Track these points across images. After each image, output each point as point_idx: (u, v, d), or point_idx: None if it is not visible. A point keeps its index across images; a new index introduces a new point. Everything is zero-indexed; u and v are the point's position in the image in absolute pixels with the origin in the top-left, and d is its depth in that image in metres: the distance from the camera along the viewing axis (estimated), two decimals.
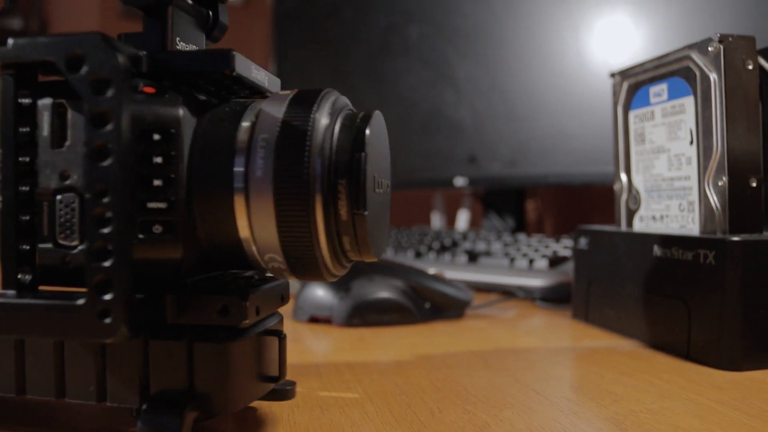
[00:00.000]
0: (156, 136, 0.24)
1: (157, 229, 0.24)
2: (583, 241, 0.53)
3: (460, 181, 0.92)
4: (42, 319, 0.23)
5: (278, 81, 0.30)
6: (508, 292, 0.64)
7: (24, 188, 0.24)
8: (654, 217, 0.48)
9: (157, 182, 0.24)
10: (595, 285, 0.51)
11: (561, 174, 0.82)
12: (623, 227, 0.51)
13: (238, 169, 0.24)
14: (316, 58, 1.09)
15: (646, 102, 0.48)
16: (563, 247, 0.70)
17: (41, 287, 0.25)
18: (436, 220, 1.12)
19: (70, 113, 0.24)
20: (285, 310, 0.46)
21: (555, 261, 0.66)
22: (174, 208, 0.24)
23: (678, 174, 0.45)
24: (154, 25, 0.26)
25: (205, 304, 0.25)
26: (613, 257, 0.49)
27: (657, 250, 0.44)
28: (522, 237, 0.79)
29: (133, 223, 0.24)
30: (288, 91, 0.26)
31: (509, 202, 0.97)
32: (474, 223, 1.10)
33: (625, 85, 0.51)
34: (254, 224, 0.24)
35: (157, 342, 0.24)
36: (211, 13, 0.30)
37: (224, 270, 0.28)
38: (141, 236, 0.24)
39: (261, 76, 0.28)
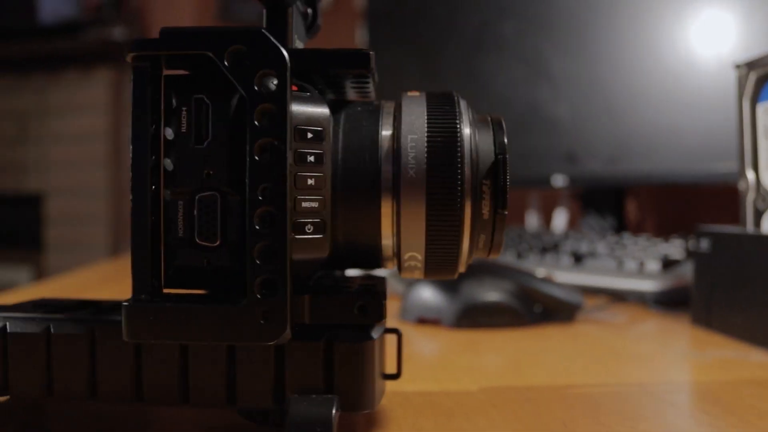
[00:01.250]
0: (309, 134, 0.24)
1: (309, 228, 0.24)
2: (704, 243, 0.50)
3: (558, 180, 0.89)
4: (193, 323, 0.23)
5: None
6: (617, 296, 0.61)
7: (159, 188, 0.23)
8: None
9: (310, 181, 0.24)
10: (720, 290, 0.48)
11: (666, 172, 0.78)
12: (751, 229, 0.48)
13: (387, 168, 0.24)
14: (408, 58, 1.08)
15: None
16: (674, 248, 0.67)
17: (165, 290, 0.24)
18: (532, 220, 1.10)
19: (211, 109, 0.23)
20: (390, 310, 0.45)
21: (667, 263, 0.63)
22: (324, 207, 0.24)
23: None
24: (276, 23, 0.25)
25: (343, 304, 0.25)
26: (740, 261, 0.46)
27: None
28: (627, 238, 0.75)
29: (292, 223, 0.24)
30: (417, 93, 0.26)
31: (609, 202, 0.93)
32: (572, 223, 1.06)
33: (753, 77, 0.48)
34: (402, 224, 0.24)
35: (294, 343, 0.24)
36: (311, 11, 0.29)
37: (343, 268, 0.28)
38: (296, 236, 0.24)
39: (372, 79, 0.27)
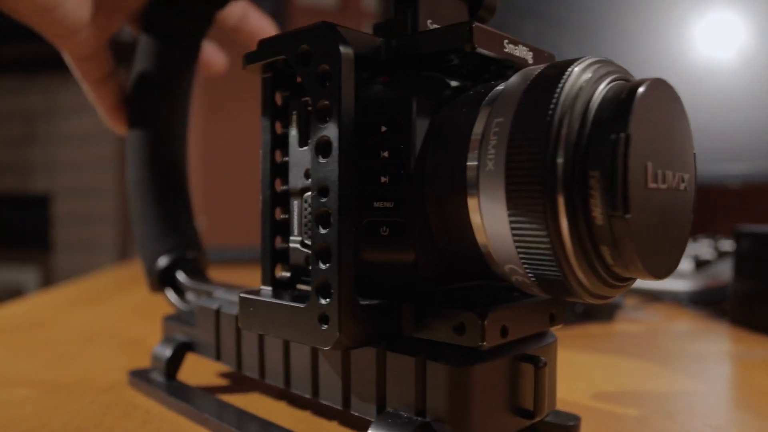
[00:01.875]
0: (383, 128, 0.22)
1: (384, 230, 0.22)
2: (745, 243, 0.50)
3: None
4: (276, 319, 0.23)
5: (554, 56, 0.26)
6: (652, 296, 0.62)
7: (282, 187, 0.25)
8: None
9: (383, 179, 0.22)
10: (761, 289, 0.48)
11: None
12: None
13: (472, 162, 0.20)
14: None
15: None
16: (703, 248, 0.67)
17: (299, 286, 0.25)
18: None
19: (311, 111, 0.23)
20: None
21: (699, 263, 0.63)
22: (402, 207, 0.22)
23: None
24: (404, 8, 0.24)
25: (442, 319, 0.22)
26: None
27: None
28: None
29: (359, 224, 0.23)
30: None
31: None
32: None
33: None
34: (488, 229, 0.20)
35: (393, 355, 0.23)
36: None
37: (479, 280, 0.24)
38: (368, 238, 0.23)
39: (522, 51, 0.24)
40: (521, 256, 0.19)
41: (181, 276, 0.36)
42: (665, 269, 0.20)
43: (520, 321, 0.23)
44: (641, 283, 0.63)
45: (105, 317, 0.55)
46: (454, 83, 0.24)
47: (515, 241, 0.19)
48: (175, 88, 0.38)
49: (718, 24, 0.76)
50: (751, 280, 0.49)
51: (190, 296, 0.36)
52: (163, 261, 0.36)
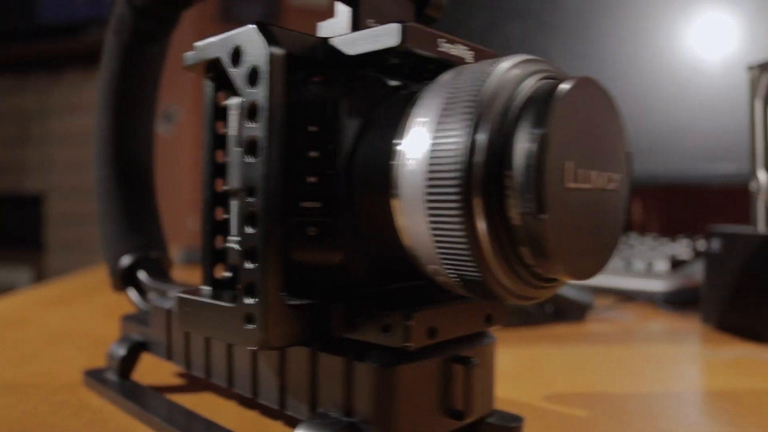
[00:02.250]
0: (312, 128, 0.22)
1: (312, 231, 0.22)
2: (715, 244, 0.50)
3: None
4: (210, 319, 0.23)
5: (496, 55, 0.25)
6: (626, 296, 0.62)
7: (223, 187, 0.25)
8: None
9: (311, 179, 0.22)
10: (731, 290, 0.48)
11: (673, 173, 0.78)
12: (762, 229, 0.48)
13: (395, 163, 0.20)
14: None
15: None
16: (681, 248, 0.67)
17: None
18: None
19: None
20: None
21: (675, 263, 0.63)
22: (330, 208, 0.22)
23: None
24: (346, 7, 0.24)
25: (370, 320, 0.22)
26: (751, 261, 0.46)
27: None
28: (634, 238, 0.76)
29: (287, 224, 0.22)
30: (474, 62, 0.23)
31: None
32: None
33: (765, 79, 0.48)
34: (411, 230, 0.20)
35: (323, 356, 0.23)
36: None
37: (413, 281, 0.24)
38: (297, 238, 0.22)
39: (460, 50, 0.23)
40: (442, 257, 0.19)
41: (142, 275, 0.36)
42: (589, 270, 0.20)
43: (451, 322, 0.22)
44: (615, 284, 0.62)
45: (77, 317, 0.55)
46: (393, 83, 0.24)
47: (436, 242, 0.19)
48: (139, 87, 0.38)
49: (704, 25, 0.76)
50: (721, 280, 0.49)
51: (151, 296, 0.36)
52: (125, 260, 0.36)
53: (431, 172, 0.19)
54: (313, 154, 0.22)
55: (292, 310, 0.22)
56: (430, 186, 0.19)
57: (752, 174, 0.49)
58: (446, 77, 0.21)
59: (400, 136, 0.20)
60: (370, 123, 0.22)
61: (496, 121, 0.18)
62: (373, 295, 0.23)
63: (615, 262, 0.66)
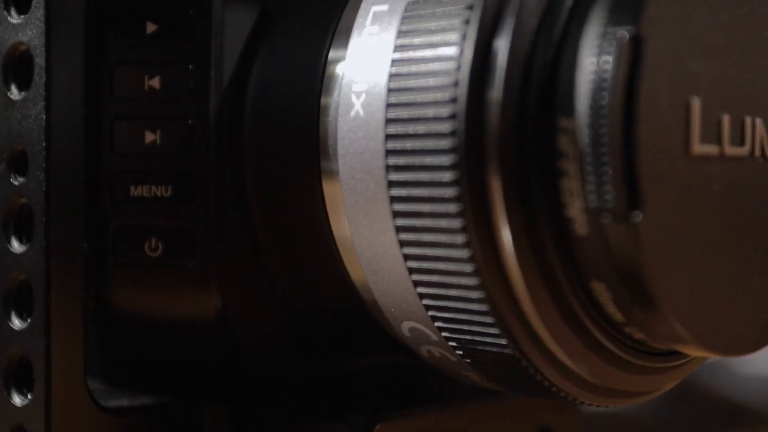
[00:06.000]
0: (150, 27, 0.13)
1: (155, 247, 0.13)
2: None
3: None
4: None
5: None
6: None
7: None
8: None
9: (150, 137, 0.13)
10: None
11: None
12: None
13: (325, 102, 0.12)
14: None
15: None
16: None
17: None
18: None
19: None
20: None
21: None
22: (192, 198, 0.13)
23: None
24: None
25: None
26: None
27: None
28: None
29: (101, 233, 0.13)
30: None
31: None
32: None
33: None
34: (360, 244, 0.11)
35: None
36: None
37: (367, 356, 0.15)
38: (121, 264, 0.13)
39: None
40: (427, 305, 0.11)
41: None
42: (751, 332, 0.11)
43: None
44: None
45: None
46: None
47: (410, 271, 0.11)
48: None
49: None
50: None
51: None
52: None
53: (395, 121, 0.10)
54: (152, 83, 0.12)
55: (111, 420, 0.13)
56: (396, 151, 0.10)
57: None
58: None
59: (343, 42, 0.12)
60: (271, 19, 0.13)
61: (531, 8, 0.10)
62: (290, 386, 0.14)
63: None
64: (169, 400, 0.14)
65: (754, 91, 0.10)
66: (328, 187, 0.11)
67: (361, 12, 0.12)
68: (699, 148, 0.10)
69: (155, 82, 0.12)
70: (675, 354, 0.11)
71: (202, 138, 0.12)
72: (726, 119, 0.10)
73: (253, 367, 0.14)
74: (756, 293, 0.11)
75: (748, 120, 0.10)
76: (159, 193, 0.13)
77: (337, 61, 0.12)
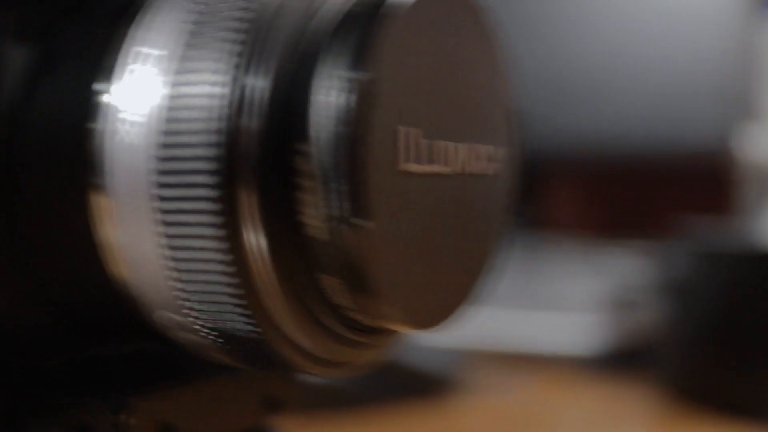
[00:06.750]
0: None
1: None
2: (680, 267, 0.36)
3: None
4: None
5: None
6: (528, 354, 0.44)
7: None
8: None
9: None
10: (704, 341, 0.35)
11: (611, 141, 0.64)
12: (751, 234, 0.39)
13: (96, 125, 0.12)
14: None
15: None
16: (623, 265, 0.51)
17: None
18: None
19: None
20: None
21: (615, 294, 0.47)
22: None
23: None
24: None
25: (51, 419, 0.14)
26: (737, 292, 0.34)
27: None
28: (543, 249, 0.59)
29: None
30: None
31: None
32: None
33: None
34: (124, 248, 0.12)
35: None
36: None
37: (131, 343, 0.17)
38: None
39: None
40: (184, 298, 0.12)
41: None
42: (443, 312, 0.14)
43: (202, 413, 0.16)
44: (508, 332, 0.45)
45: None
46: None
47: (171, 270, 0.12)
48: None
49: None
50: (689, 325, 0.36)
51: None
52: None
53: (165, 146, 0.12)
54: None
55: None
56: (164, 171, 0.12)
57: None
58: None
59: (108, 77, 0.13)
60: (51, 52, 0.15)
61: (283, 54, 0.12)
62: (56, 371, 0.16)
63: (508, 295, 0.48)
64: None
65: (458, 119, 0.13)
66: (94, 199, 0.13)
67: (131, 48, 0.13)
68: (410, 166, 0.12)
69: None
70: (384, 331, 0.14)
71: None
72: (430, 143, 0.12)
73: (15, 353, 0.15)
74: (450, 280, 0.14)
75: (449, 144, 0.13)
76: None
77: (107, 90, 0.13)
